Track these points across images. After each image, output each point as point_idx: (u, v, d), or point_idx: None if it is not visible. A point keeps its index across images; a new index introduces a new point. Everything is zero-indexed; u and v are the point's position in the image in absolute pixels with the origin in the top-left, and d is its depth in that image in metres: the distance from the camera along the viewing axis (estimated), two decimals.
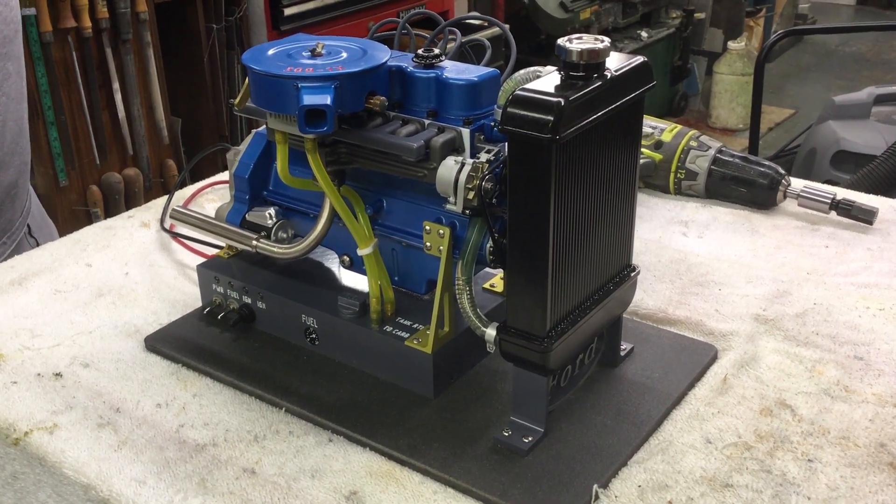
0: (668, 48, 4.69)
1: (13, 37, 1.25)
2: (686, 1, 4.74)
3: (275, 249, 0.90)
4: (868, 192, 1.29)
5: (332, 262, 0.98)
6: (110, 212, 2.67)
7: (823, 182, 1.39)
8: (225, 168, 1.13)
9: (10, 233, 1.31)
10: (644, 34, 4.55)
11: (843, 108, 2.83)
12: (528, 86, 0.71)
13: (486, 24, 3.19)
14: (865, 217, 1.16)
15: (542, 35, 4.22)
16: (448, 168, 0.77)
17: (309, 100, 0.75)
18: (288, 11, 2.95)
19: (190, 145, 2.94)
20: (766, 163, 1.22)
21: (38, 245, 1.35)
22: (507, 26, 0.98)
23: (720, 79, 4.76)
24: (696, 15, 4.79)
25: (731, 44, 4.73)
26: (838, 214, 1.17)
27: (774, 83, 5.27)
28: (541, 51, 4.17)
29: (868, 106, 2.79)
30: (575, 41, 0.72)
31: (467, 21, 2.76)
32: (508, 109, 0.70)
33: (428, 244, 0.83)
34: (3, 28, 1.21)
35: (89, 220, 2.54)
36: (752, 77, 3.17)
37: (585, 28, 4.16)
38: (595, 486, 0.74)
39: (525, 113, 0.69)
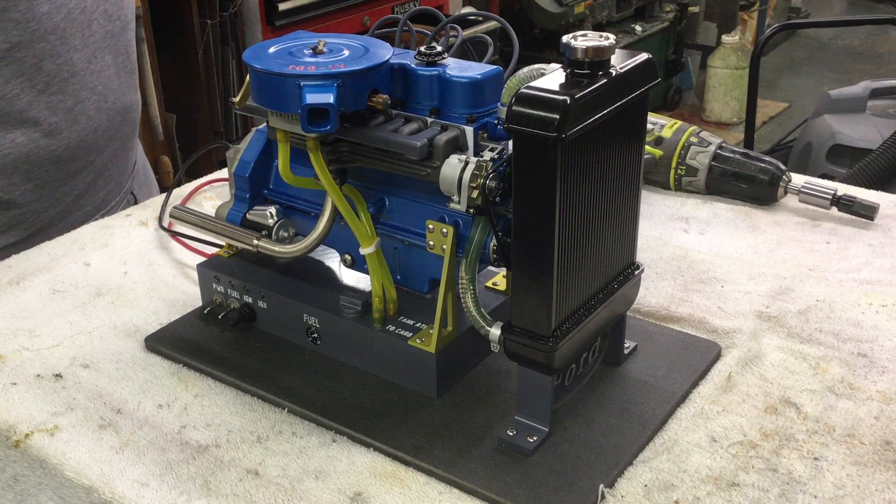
0: (662, 42, 4.69)
1: (119, 33, 1.31)
2: None
3: (276, 249, 0.90)
4: (864, 186, 1.29)
5: (333, 261, 0.97)
6: None
7: (819, 176, 1.38)
8: (220, 165, 1.12)
9: (110, 205, 1.38)
10: (638, 28, 4.55)
11: (839, 102, 2.82)
12: (534, 84, 0.71)
13: (481, 18, 3.19)
14: (866, 213, 1.15)
15: (536, 29, 4.21)
16: (452, 167, 0.77)
17: (312, 98, 0.75)
18: (282, 7, 2.94)
19: (185, 142, 2.93)
20: (767, 158, 1.22)
21: (136, 202, 1.42)
22: (506, 22, 0.97)
23: (714, 72, 4.76)
24: (690, 8, 4.80)
25: (725, 37, 4.74)
26: (839, 210, 1.17)
27: (768, 77, 5.27)
28: (535, 45, 4.16)
29: (864, 100, 2.79)
30: (580, 38, 0.72)
31: (468, 17, 2.75)
32: (513, 108, 0.69)
33: (431, 243, 0.83)
34: (106, 24, 1.27)
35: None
36: (746, 71, 3.16)
37: (579, 22, 4.16)
38: (601, 486, 0.74)
39: (530, 111, 0.68)
